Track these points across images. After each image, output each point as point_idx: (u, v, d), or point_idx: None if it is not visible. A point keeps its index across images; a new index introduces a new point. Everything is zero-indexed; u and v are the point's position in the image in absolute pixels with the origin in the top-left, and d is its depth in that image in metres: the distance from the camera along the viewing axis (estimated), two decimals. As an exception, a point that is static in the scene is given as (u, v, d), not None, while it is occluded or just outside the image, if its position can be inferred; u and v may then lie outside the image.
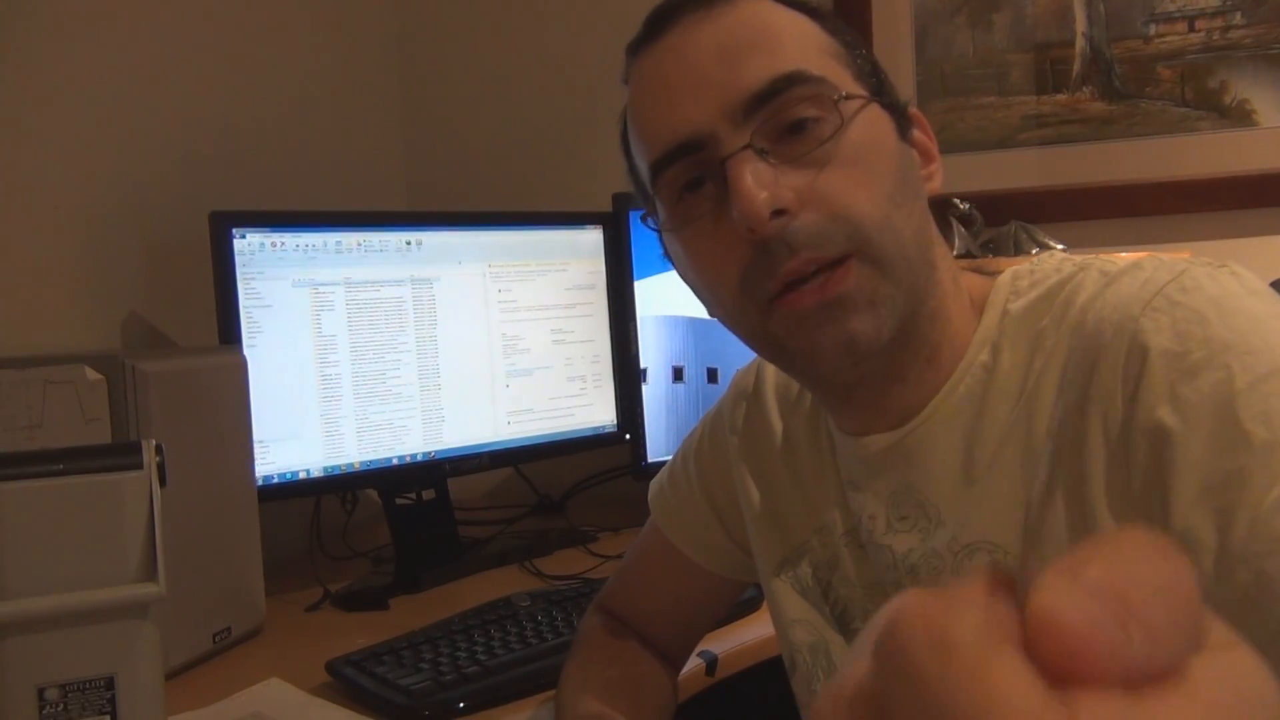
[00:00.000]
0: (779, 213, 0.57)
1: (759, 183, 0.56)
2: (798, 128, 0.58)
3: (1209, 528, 0.50)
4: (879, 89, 0.63)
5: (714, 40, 0.60)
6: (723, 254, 0.60)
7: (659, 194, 0.63)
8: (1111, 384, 0.55)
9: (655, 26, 0.63)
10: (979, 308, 0.65)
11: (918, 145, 0.66)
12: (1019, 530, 0.59)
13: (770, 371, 0.80)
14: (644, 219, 0.67)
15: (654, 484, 0.90)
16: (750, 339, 0.64)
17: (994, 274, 0.67)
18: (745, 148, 0.58)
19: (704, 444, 0.85)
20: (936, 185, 0.66)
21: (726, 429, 0.82)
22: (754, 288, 0.59)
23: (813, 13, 0.63)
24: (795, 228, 0.57)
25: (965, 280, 0.66)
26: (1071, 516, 0.57)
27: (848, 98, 0.59)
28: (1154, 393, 0.53)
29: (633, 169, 0.68)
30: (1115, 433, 0.55)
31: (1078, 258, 0.65)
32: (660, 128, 0.61)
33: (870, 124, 0.60)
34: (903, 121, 0.64)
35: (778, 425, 0.77)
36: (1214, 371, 0.52)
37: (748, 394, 0.81)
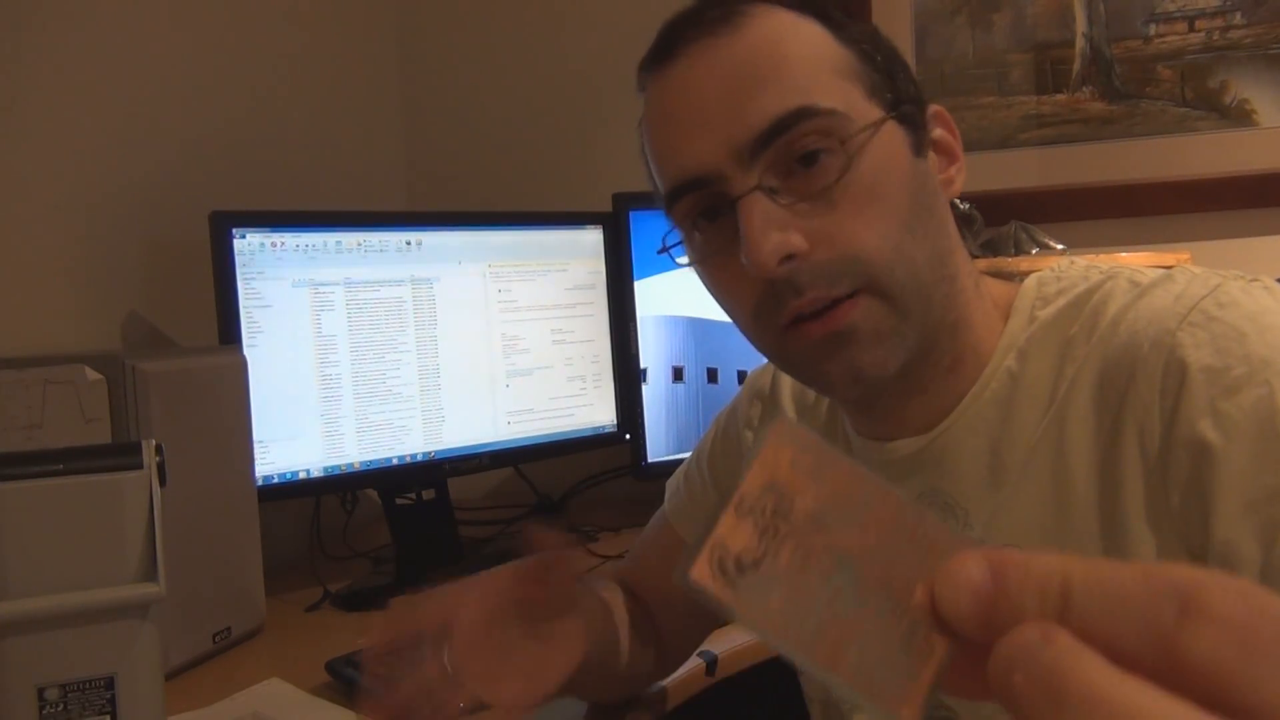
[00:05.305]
0: (788, 257, 0.57)
1: (768, 228, 0.56)
2: (808, 160, 0.58)
3: (1252, 543, 0.50)
4: (895, 101, 0.61)
5: (720, 73, 0.59)
6: (737, 286, 0.61)
7: (676, 220, 0.64)
8: (1149, 398, 0.55)
9: (665, 48, 0.62)
10: (1004, 313, 0.65)
11: (939, 145, 0.65)
12: (1048, 537, 0.59)
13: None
14: (660, 251, 0.67)
15: (670, 483, 0.91)
16: (769, 357, 0.66)
17: (1013, 277, 0.68)
18: (754, 189, 0.57)
19: (716, 444, 0.85)
20: (958, 188, 0.65)
21: (741, 425, 0.82)
22: (766, 318, 0.60)
23: (826, 18, 0.62)
24: (804, 269, 0.57)
25: (987, 285, 0.66)
26: (1105, 527, 0.57)
27: (857, 132, 0.58)
28: (1195, 408, 0.53)
29: (651, 176, 0.68)
30: (1154, 447, 0.55)
31: (1104, 264, 0.64)
32: (670, 163, 0.62)
33: (883, 149, 0.59)
34: (919, 131, 0.63)
35: None
36: (1255, 388, 0.52)
37: (764, 394, 0.81)
